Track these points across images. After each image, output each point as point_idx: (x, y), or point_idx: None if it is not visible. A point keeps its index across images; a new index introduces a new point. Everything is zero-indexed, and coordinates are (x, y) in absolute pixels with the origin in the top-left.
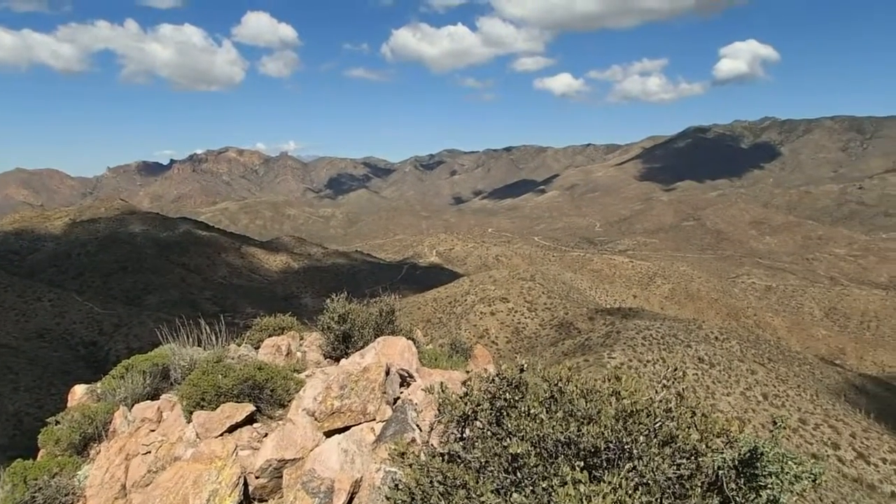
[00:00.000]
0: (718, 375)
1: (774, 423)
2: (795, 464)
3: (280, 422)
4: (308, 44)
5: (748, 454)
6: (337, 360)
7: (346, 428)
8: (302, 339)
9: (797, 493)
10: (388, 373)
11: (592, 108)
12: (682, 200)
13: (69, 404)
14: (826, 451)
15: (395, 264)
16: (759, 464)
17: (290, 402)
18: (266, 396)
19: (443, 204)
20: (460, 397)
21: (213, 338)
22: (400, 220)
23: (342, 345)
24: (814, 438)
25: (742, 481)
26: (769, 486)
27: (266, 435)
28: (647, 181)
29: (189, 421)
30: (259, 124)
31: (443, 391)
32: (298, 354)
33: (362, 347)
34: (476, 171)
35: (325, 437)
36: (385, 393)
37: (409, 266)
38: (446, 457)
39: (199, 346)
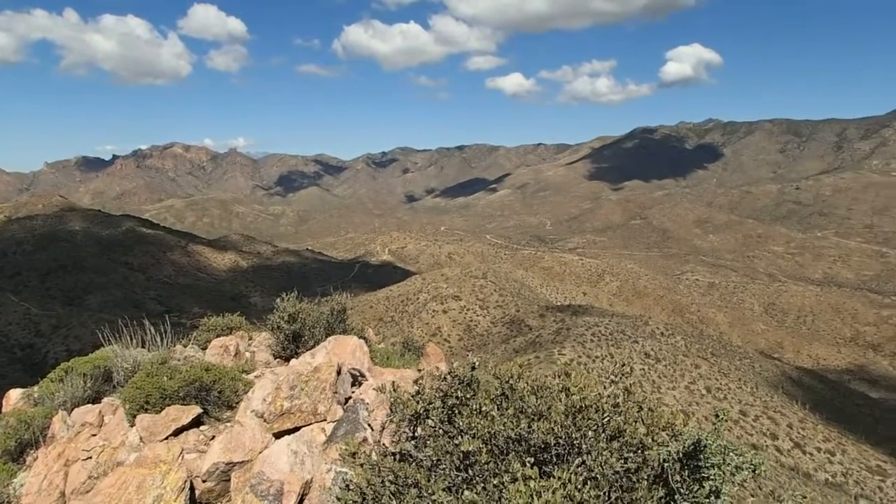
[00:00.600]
0: (664, 370)
1: (716, 415)
2: (736, 455)
3: (228, 424)
4: (258, 38)
5: (692, 447)
6: (287, 360)
7: (297, 429)
8: (251, 339)
9: (738, 484)
10: (339, 372)
11: (543, 107)
12: (629, 199)
13: (4, 409)
14: (765, 441)
15: (346, 263)
16: (702, 456)
17: (238, 403)
18: (213, 398)
19: (395, 202)
20: (412, 396)
21: (158, 339)
22: (352, 218)
23: (292, 345)
24: (754, 429)
25: (686, 473)
26: (711, 477)
27: (213, 437)
28: (596, 180)
29: (132, 425)
30: (207, 120)
31: (394, 390)
32: (247, 355)
33: (313, 347)
34: (429, 169)
35: (274, 439)
36: (336, 393)
37: (361, 264)
38: (398, 456)
39: (143, 347)
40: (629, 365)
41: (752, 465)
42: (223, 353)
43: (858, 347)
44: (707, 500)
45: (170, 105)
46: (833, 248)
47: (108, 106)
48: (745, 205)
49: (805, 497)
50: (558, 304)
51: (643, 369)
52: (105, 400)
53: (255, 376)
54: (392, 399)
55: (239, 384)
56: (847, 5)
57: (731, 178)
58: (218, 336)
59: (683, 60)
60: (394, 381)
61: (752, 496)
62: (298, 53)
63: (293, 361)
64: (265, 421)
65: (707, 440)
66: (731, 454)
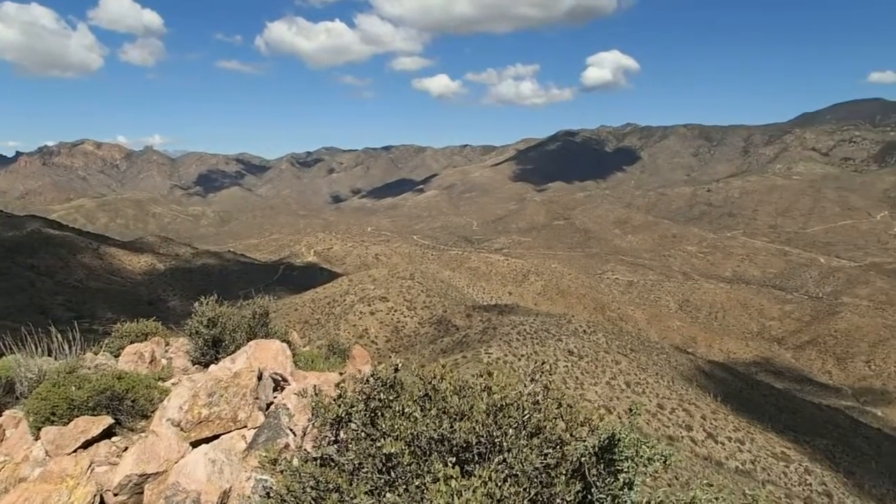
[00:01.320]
0: (586, 367)
1: (630, 410)
2: (648, 447)
3: (142, 434)
4: (175, 32)
5: (607, 441)
6: (206, 366)
7: (216, 437)
8: (168, 345)
9: (650, 475)
10: (260, 377)
11: (469, 109)
12: (553, 200)
13: None
14: (681, 432)
15: (270, 265)
16: (616, 449)
17: (153, 412)
18: (126, 408)
19: (321, 202)
20: (334, 399)
21: (67, 346)
22: (276, 219)
23: (212, 350)
24: (670, 421)
25: (602, 466)
26: (625, 469)
27: (126, 449)
28: (520, 182)
29: (37, 438)
30: (120, 116)
31: (316, 394)
32: (164, 362)
33: (234, 352)
34: (355, 169)
35: (191, 448)
36: (257, 398)
37: (286, 266)
38: (319, 461)
39: (49, 355)
40: (548, 363)
41: (662, 455)
42: (138, 361)
43: (764, 341)
44: (621, 492)
45: (80, 100)
46: (741, 247)
47: (11, 99)
48: (661, 206)
49: (711, 485)
50: (485, 303)
51: (567, 366)
52: (7, 412)
53: (172, 384)
54: (314, 403)
55: (154, 392)
56: (752, 19)
57: (648, 181)
58: (132, 342)
59: (604, 66)
60: (315, 385)
61: (669, 485)
62: (219, 49)
63: (212, 367)
64: (182, 430)
65: (621, 434)
66: (643, 447)
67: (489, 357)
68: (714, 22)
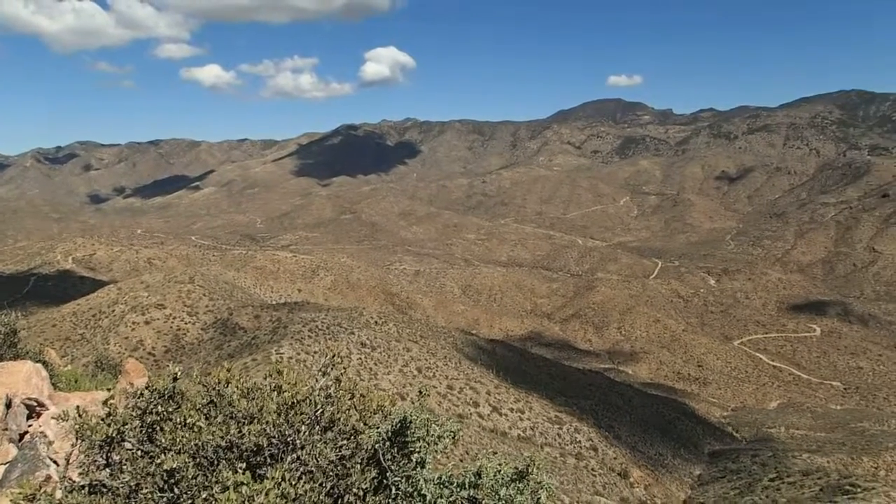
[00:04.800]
0: (379, 357)
1: (420, 392)
2: (437, 426)
3: None
4: None
5: (399, 425)
6: None
7: None
8: None
9: (440, 452)
10: (9, 405)
11: (247, 102)
12: (338, 195)
13: None
14: (469, 409)
15: (18, 276)
16: (408, 432)
17: None
18: None
19: (78, 203)
20: (101, 419)
21: None
22: (22, 224)
23: None
24: (459, 400)
25: (395, 450)
26: (417, 449)
27: None
28: (304, 177)
29: None
30: None
31: (80, 416)
32: None
33: None
34: (118, 165)
35: None
36: (6, 430)
37: (38, 277)
38: (88, 488)
39: None
40: (342, 356)
41: (450, 432)
42: None
43: (536, 317)
44: (414, 472)
45: None
46: (513, 233)
47: None
48: (442, 197)
49: (496, 453)
50: (274, 302)
51: (360, 358)
52: None
53: None
54: (77, 426)
55: None
56: (511, 22)
57: (429, 173)
58: None
59: (381, 62)
60: (78, 406)
61: (461, 461)
62: None
63: None
64: None
65: (412, 416)
66: (433, 426)
67: (280, 357)
68: (476, 21)
